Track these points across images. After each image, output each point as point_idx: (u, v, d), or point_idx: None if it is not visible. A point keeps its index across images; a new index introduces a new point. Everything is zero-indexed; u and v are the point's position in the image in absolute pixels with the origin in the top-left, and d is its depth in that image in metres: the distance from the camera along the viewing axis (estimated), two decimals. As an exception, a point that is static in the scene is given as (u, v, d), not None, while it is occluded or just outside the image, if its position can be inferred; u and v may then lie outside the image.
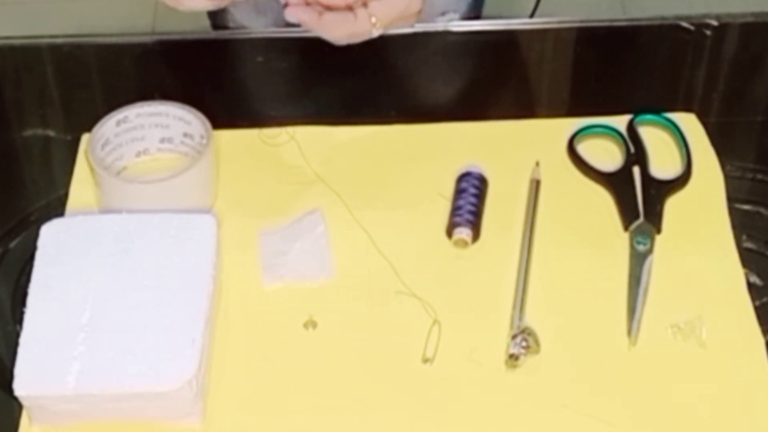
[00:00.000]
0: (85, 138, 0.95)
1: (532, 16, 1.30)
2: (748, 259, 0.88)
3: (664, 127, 0.97)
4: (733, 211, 0.91)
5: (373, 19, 0.86)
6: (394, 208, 0.92)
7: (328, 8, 0.86)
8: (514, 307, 0.85)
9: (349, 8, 0.86)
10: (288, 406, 0.80)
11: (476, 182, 0.91)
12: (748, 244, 0.90)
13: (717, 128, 0.98)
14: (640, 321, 0.84)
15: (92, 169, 0.89)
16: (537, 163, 0.94)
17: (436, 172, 0.93)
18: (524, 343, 0.81)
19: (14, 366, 0.77)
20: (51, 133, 1.00)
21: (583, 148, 0.96)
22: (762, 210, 0.93)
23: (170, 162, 0.93)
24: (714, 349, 0.83)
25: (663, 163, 0.95)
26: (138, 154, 0.94)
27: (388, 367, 0.82)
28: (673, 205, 0.91)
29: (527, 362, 0.81)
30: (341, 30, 0.86)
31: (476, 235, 0.89)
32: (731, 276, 0.87)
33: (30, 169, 1.00)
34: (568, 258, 0.88)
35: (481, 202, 0.91)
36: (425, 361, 0.82)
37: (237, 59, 1.07)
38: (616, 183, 0.93)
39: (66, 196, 0.93)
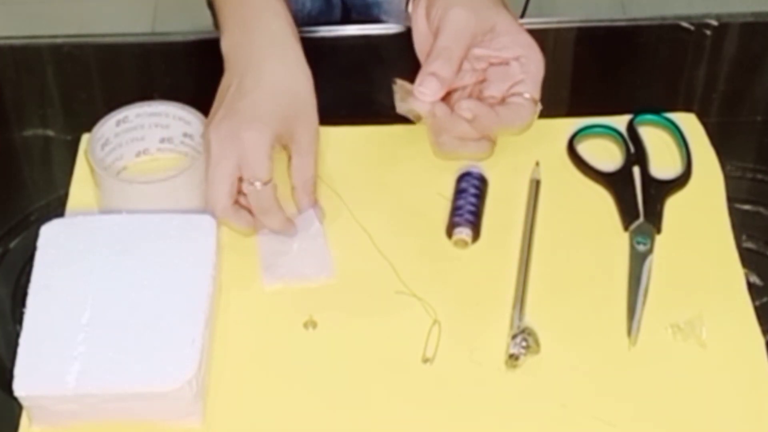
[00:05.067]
0: (85, 138, 0.95)
1: (522, 16, 1.30)
2: (748, 259, 0.88)
3: (664, 127, 0.97)
4: (733, 211, 0.91)
5: (527, 95, 0.87)
6: (394, 207, 0.92)
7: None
8: (514, 307, 0.85)
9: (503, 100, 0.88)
10: (288, 406, 0.80)
11: (476, 182, 0.91)
12: (748, 244, 0.90)
13: (717, 128, 0.98)
14: (640, 321, 0.84)
15: (92, 169, 0.89)
16: (537, 163, 0.94)
17: (436, 172, 0.93)
18: (524, 343, 0.81)
19: (14, 366, 0.77)
20: (51, 133, 1.00)
21: (583, 148, 0.96)
22: (762, 210, 0.93)
23: (170, 162, 0.93)
24: (714, 349, 0.83)
25: (663, 163, 0.95)
26: (138, 154, 0.94)
27: (388, 367, 0.82)
28: (673, 205, 0.91)
29: (527, 362, 0.81)
30: (520, 120, 0.87)
31: (476, 235, 0.89)
32: (731, 276, 0.87)
33: (30, 169, 1.00)
34: (568, 258, 0.88)
35: (481, 202, 0.91)
36: (425, 361, 0.82)
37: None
38: (616, 183, 0.93)
39: (66, 196, 0.93)
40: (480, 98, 0.88)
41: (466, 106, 0.85)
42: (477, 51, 0.87)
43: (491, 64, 0.88)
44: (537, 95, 0.87)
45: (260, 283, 0.86)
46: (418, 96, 0.85)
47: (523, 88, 0.87)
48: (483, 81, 0.89)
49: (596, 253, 0.89)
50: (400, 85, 0.87)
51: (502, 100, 0.87)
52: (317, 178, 0.88)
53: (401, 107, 0.87)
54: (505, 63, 0.87)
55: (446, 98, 0.87)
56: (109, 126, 0.92)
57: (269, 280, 0.86)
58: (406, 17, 0.93)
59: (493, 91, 0.87)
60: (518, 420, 0.79)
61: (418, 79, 0.85)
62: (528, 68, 0.87)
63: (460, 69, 0.86)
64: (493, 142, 0.89)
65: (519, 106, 0.86)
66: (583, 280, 0.87)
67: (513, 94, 0.87)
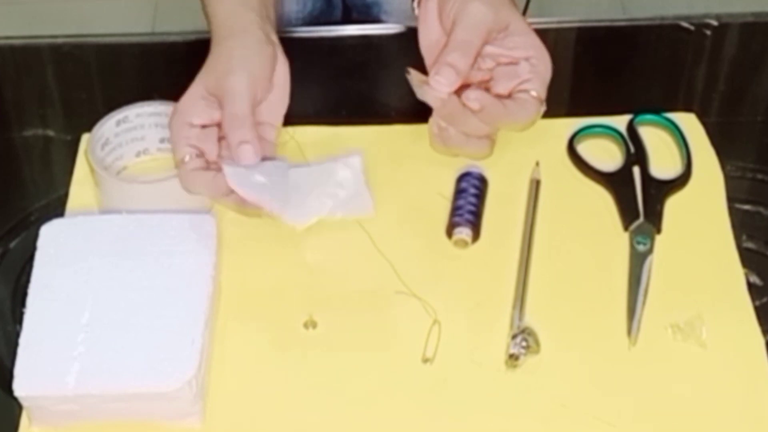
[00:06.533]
0: (85, 138, 0.95)
1: (524, 14, 1.30)
2: (748, 259, 0.88)
3: (664, 127, 0.97)
4: (733, 211, 0.91)
5: (534, 93, 0.86)
6: (394, 207, 0.92)
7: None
8: (514, 307, 0.85)
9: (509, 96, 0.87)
10: (288, 406, 0.80)
11: (476, 182, 0.91)
12: (748, 244, 0.90)
13: (717, 128, 0.98)
14: (640, 321, 0.84)
15: (92, 169, 0.89)
16: (537, 163, 0.94)
17: (436, 172, 0.93)
18: (524, 343, 0.81)
19: (14, 366, 0.77)
20: (51, 133, 1.00)
21: (583, 148, 0.96)
22: (762, 210, 0.93)
23: (170, 162, 0.93)
24: (714, 349, 0.83)
25: (663, 163, 0.95)
26: (138, 154, 0.94)
27: (388, 367, 0.82)
28: (673, 205, 0.91)
29: (527, 362, 0.81)
30: (524, 115, 0.86)
31: (476, 235, 0.89)
32: (731, 276, 0.87)
33: (30, 169, 1.00)
34: (568, 258, 0.88)
35: (481, 202, 0.91)
36: (425, 361, 0.82)
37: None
38: (616, 183, 0.93)
39: (66, 196, 0.93)
40: None
41: (473, 96, 0.84)
42: (488, 48, 0.87)
43: (499, 64, 0.88)
44: (543, 95, 0.87)
45: (260, 283, 0.86)
46: (433, 85, 0.85)
47: (531, 86, 0.87)
48: (489, 80, 0.89)
49: (596, 253, 0.89)
50: (414, 74, 0.86)
51: (509, 97, 0.87)
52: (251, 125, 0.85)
53: (419, 93, 0.87)
54: (515, 62, 0.87)
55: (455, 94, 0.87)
56: (109, 126, 0.92)
57: (298, 219, 0.86)
58: (412, 15, 0.92)
59: (500, 88, 0.87)
60: (518, 420, 0.79)
61: (435, 68, 0.85)
62: (537, 69, 0.87)
63: (475, 63, 0.86)
64: (492, 142, 0.89)
65: (525, 101, 0.86)
66: (583, 280, 0.87)
67: (519, 91, 0.87)
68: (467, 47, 0.85)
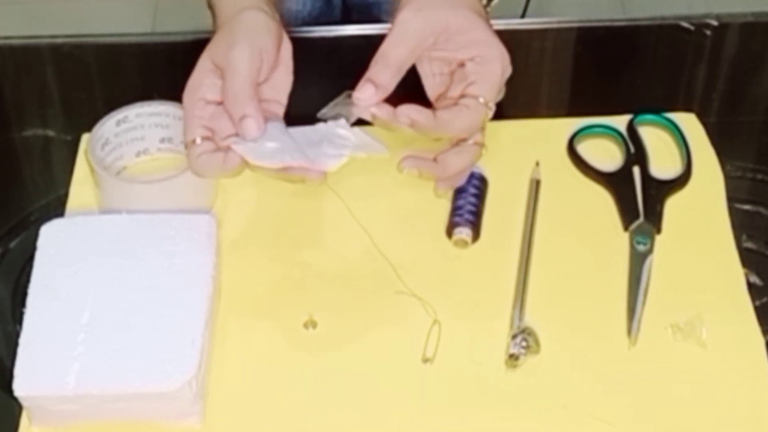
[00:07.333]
0: (85, 138, 0.95)
1: (523, 16, 1.30)
2: (748, 259, 0.88)
3: (664, 127, 0.97)
4: (733, 211, 0.91)
5: (482, 99, 0.83)
6: (394, 207, 0.92)
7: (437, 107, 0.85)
8: (514, 307, 0.85)
9: (455, 102, 0.85)
10: (288, 406, 0.80)
11: (476, 182, 0.91)
12: (748, 244, 0.90)
13: (717, 128, 0.98)
14: (640, 321, 0.84)
15: (92, 169, 0.89)
16: (537, 163, 0.94)
17: (436, 172, 0.93)
18: (524, 343, 0.81)
19: (14, 366, 0.77)
20: (51, 133, 1.00)
21: (583, 148, 0.96)
22: (762, 210, 0.93)
23: (170, 162, 0.93)
24: (714, 349, 0.83)
25: (663, 163, 0.95)
26: (138, 154, 0.94)
27: (388, 367, 0.82)
28: (673, 205, 0.92)
29: (527, 362, 0.81)
30: (462, 123, 0.84)
31: (476, 235, 0.89)
32: (731, 276, 0.87)
33: (30, 169, 1.00)
34: (568, 258, 0.88)
35: (481, 202, 0.91)
36: (425, 361, 0.82)
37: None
38: (616, 183, 0.93)
39: (66, 196, 0.93)
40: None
41: (402, 112, 0.83)
42: (437, 54, 0.86)
43: (459, 66, 0.86)
44: (489, 96, 0.84)
45: (260, 282, 0.86)
46: (355, 102, 0.84)
47: (476, 90, 0.84)
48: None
49: (596, 253, 0.89)
50: (347, 94, 0.86)
51: (456, 102, 0.86)
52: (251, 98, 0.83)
53: (330, 111, 0.86)
54: (463, 64, 0.86)
55: (431, 105, 0.85)
56: (109, 126, 0.92)
57: (328, 163, 0.83)
58: None
59: (454, 93, 0.85)
60: (518, 420, 0.79)
61: (358, 84, 0.84)
62: (481, 68, 0.84)
63: (401, 74, 0.84)
64: (480, 145, 0.87)
65: (463, 108, 0.83)
66: (583, 280, 0.87)
67: (465, 96, 0.84)
68: (387, 60, 0.83)
